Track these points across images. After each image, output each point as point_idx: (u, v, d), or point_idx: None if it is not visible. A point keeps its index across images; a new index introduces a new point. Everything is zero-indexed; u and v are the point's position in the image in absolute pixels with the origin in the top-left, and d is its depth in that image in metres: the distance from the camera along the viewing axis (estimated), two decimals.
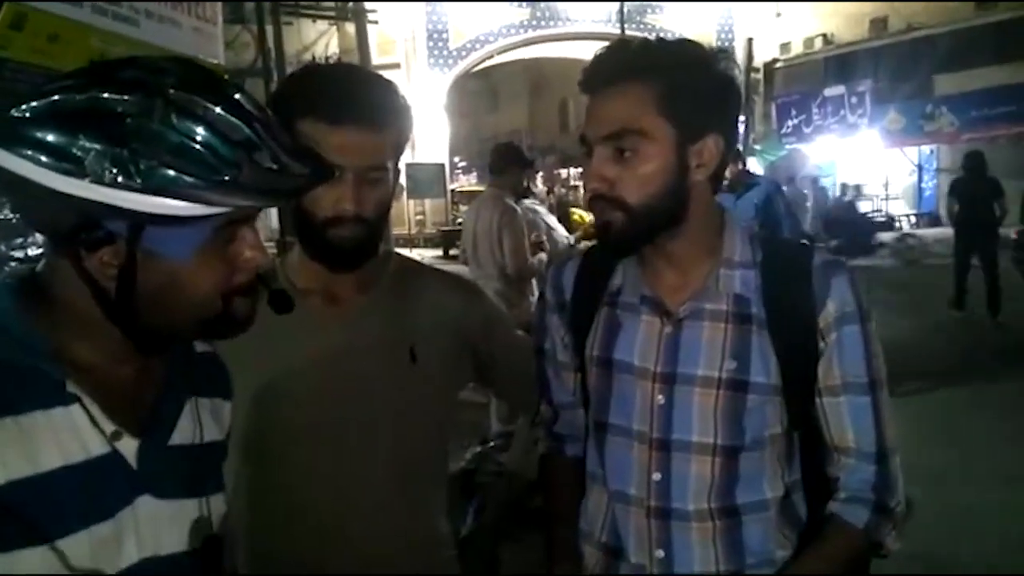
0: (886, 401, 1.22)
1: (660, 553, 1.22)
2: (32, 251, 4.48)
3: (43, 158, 0.74)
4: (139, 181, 0.74)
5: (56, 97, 0.77)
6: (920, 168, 21.95)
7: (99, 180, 0.74)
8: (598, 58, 1.18)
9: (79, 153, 0.74)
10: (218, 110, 0.77)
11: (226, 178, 0.77)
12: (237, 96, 0.80)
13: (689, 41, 1.20)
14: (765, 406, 1.19)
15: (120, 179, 0.74)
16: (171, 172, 0.75)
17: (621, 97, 1.14)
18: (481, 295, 1.52)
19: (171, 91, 0.76)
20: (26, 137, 0.75)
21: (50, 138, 0.75)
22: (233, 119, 0.78)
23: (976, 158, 9.33)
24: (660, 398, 1.21)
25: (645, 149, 1.14)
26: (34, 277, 0.87)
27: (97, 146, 0.74)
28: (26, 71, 3.95)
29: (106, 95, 0.76)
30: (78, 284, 0.82)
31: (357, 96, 1.21)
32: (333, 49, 17.99)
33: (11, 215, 4.36)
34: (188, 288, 0.83)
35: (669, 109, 1.13)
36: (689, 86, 1.14)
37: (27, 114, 0.76)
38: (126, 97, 0.76)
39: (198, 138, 0.76)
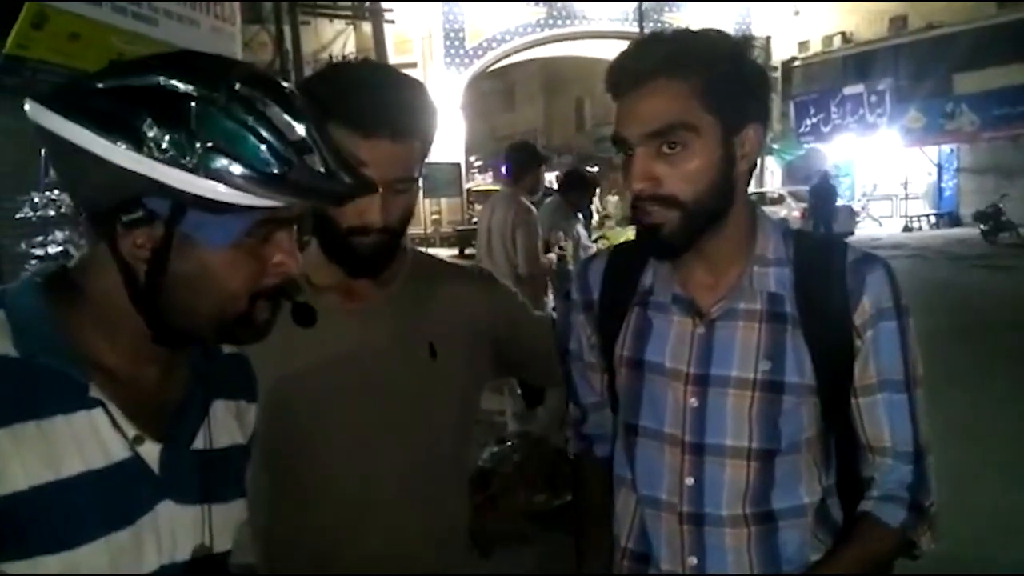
0: (922, 399, 1.18)
1: (693, 560, 1.18)
2: (52, 248, 4.51)
3: (102, 129, 0.76)
4: (192, 162, 0.76)
5: (124, 76, 0.79)
6: (940, 168, 21.76)
7: (153, 155, 0.76)
8: (627, 55, 1.13)
9: (138, 127, 0.76)
10: (277, 108, 0.79)
11: (275, 172, 0.78)
12: (296, 100, 0.82)
13: (719, 31, 1.17)
14: (800, 407, 1.15)
15: (174, 157, 0.76)
16: (224, 159, 0.76)
17: (662, 93, 1.10)
18: (496, 285, 1.49)
19: (236, 84, 0.78)
20: (89, 107, 0.77)
21: (112, 110, 0.77)
22: (290, 119, 0.80)
23: (824, 174, 16.95)
24: (693, 400, 1.17)
25: (693, 144, 1.10)
26: (64, 272, 0.87)
27: (157, 123, 0.76)
28: (46, 69, 3.99)
29: (174, 79, 0.78)
30: (111, 271, 0.82)
31: (391, 106, 1.18)
32: (350, 48, 18.06)
33: (31, 213, 4.41)
34: (217, 280, 0.83)
35: (713, 101, 1.10)
36: (729, 77, 1.11)
37: (93, 87, 0.79)
38: (193, 83, 0.78)
39: (255, 131, 0.78)
